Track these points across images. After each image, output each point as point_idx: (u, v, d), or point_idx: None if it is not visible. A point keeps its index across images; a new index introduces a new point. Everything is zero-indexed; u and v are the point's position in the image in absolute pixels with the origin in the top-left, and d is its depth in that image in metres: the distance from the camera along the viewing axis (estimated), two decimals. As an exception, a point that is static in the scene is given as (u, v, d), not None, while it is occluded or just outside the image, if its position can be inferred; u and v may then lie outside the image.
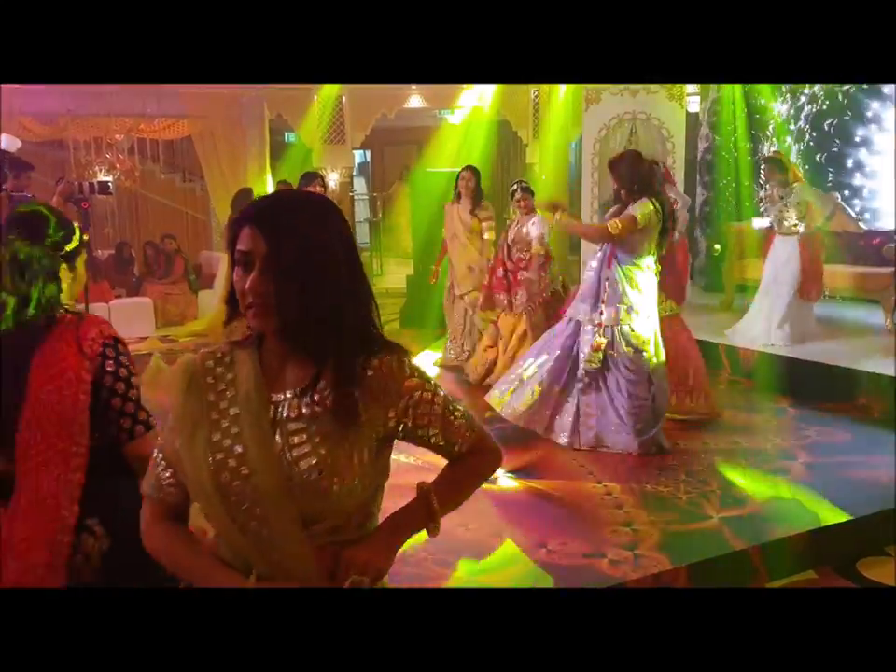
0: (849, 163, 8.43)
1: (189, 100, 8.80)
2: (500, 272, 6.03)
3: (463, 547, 3.49)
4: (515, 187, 6.17)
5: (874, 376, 5.40)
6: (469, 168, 6.56)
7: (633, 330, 4.53)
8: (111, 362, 1.88)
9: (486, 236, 6.45)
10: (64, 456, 1.82)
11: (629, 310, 4.53)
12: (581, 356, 4.63)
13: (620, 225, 4.41)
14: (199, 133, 9.77)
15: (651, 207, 4.43)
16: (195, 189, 10.96)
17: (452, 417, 1.56)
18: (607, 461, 4.53)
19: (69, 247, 2.01)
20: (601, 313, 4.57)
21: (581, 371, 4.63)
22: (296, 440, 1.38)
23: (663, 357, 4.62)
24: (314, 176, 6.53)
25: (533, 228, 5.90)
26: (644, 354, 4.54)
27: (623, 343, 4.54)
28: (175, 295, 9.22)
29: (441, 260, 6.90)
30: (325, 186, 6.53)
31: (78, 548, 1.83)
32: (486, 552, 3.46)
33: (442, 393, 1.54)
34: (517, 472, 4.37)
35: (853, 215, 8.10)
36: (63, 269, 1.97)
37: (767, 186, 6.55)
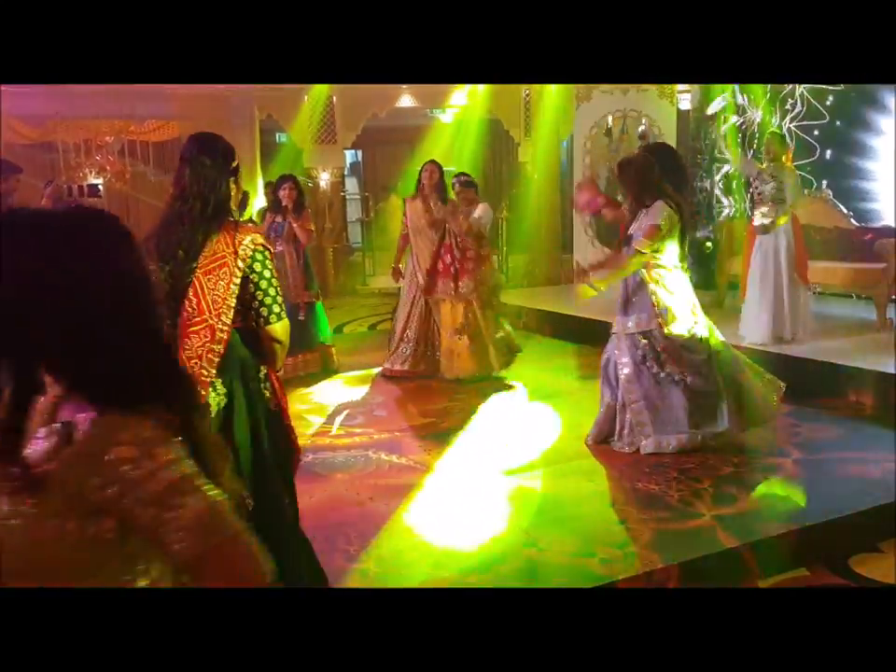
0: (842, 159, 8.45)
1: (178, 101, 8.77)
2: (448, 259, 6.20)
3: (454, 546, 3.47)
4: (455, 181, 6.37)
5: (865, 372, 5.41)
6: (432, 161, 6.50)
7: (670, 333, 4.44)
8: (258, 264, 2.42)
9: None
10: (212, 330, 2.39)
11: (662, 313, 4.44)
12: (619, 366, 4.56)
13: (648, 241, 4.34)
14: (189, 134, 9.70)
15: (669, 209, 4.36)
16: (186, 190, 10.89)
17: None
18: (599, 459, 4.52)
19: (234, 164, 2.57)
20: (631, 322, 4.52)
21: (622, 382, 4.56)
22: None
23: (713, 351, 4.53)
24: (284, 180, 6.57)
25: (475, 219, 6.11)
26: (687, 353, 4.46)
27: (660, 347, 4.46)
28: (165, 296, 9.19)
29: (401, 258, 6.66)
30: (298, 188, 6.46)
31: (207, 400, 2.33)
32: (477, 550, 3.44)
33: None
34: (510, 471, 4.36)
35: (844, 211, 8.10)
36: (230, 182, 2.54)
37: (758, 170, 6.48)
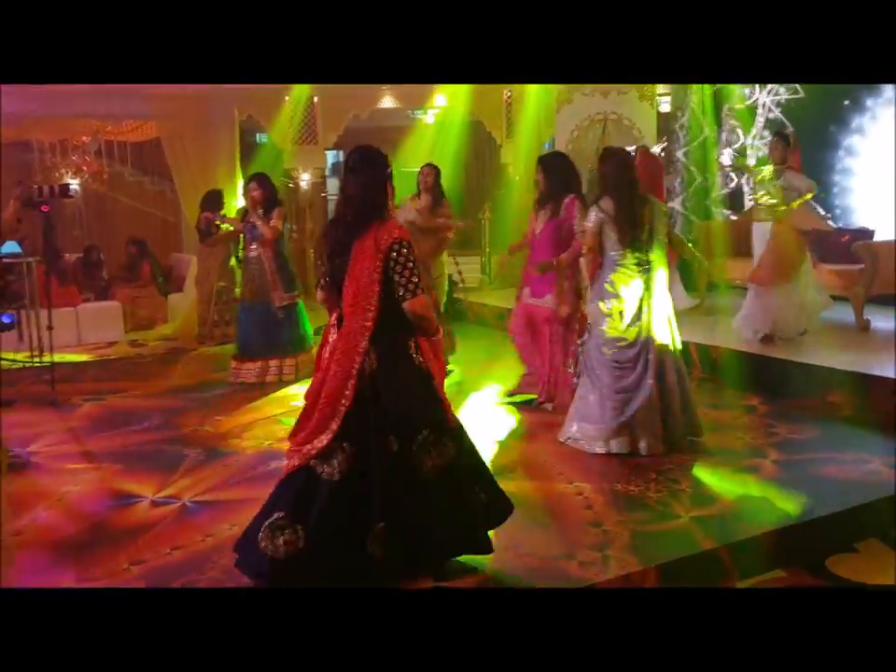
0: (820, 162, 8.49)
1: (156, 101, 8.68)
2: None
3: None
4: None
5: (842, 373, 5.43)
6: (429, 164, 6.55)
7: (611, 328, 4.55)
8: (395, 254, 2.97)
9: (450, 235, 6.44)
10: (364, 309, 2.99)
11: (605, 307, 4.57)
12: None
13: (586, 238, 4.65)
14: (167, 134, 9.65)
15: (596, 209, 4.52)
16: (165, 190, 10.83)
17: None
18: (578, 461, 4.51)
19: (388, 170, 3.15)
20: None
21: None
22: None
23: (668, 351, 4.59)
24: (249, 179, 6.58)
25: (408, 215, 6.19)
26: (628, 349, 4.53)
27: (601, 339, 4.60)
28: (143, 298, 9.12)
29: None
30: (264, 186, 6.42)
31: (362, 364, 3.01)
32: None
33: None
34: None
35: (823, 213, 8.15)
36: (385, 185, 3.11)
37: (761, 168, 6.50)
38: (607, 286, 4.57)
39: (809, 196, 6.42)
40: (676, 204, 9.20)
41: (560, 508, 3.91)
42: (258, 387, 6.26)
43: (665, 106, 10.65)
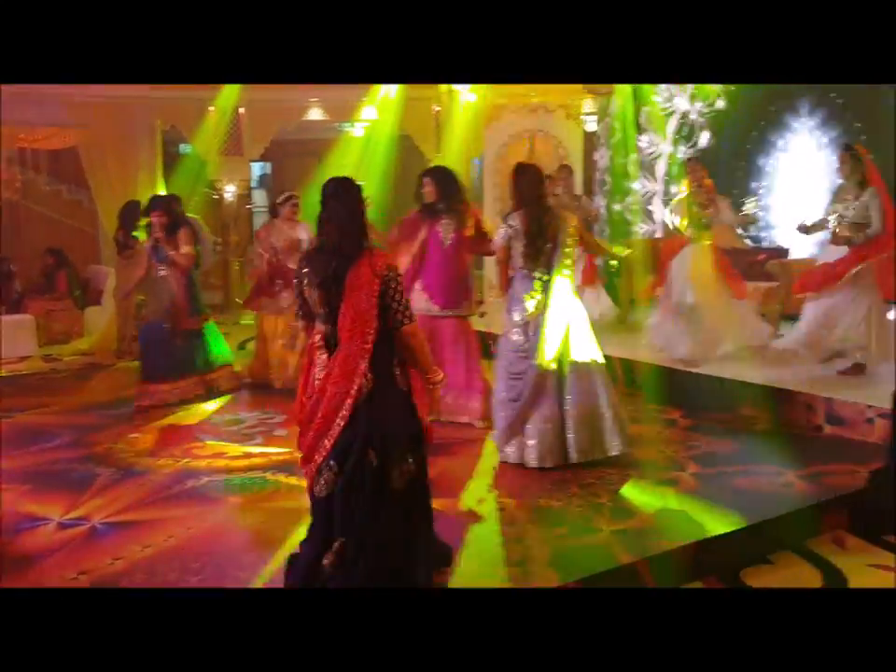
0: (740, 180, 8.74)
1: (74, 108, 8.45)
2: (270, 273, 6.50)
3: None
4: (283, 199, 6.62)
5: (757, 387, 5.56)
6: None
7: (513, 335, 4.67)
8: (392, 282, 3.08)
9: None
10: (364, 333, 3.07)
11: (511, 318, 4.69)
12: None
13: (496, 251, 4.78)
14: (85, 142, 9.39)
15: (505, 224, 4.64)
16: (82, 200, 10.49)
17: None
18: (504, 476, 4.51)
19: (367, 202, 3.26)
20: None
21: None
22: None
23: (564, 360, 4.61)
24: (154, 205, 6.34)
25: (302, 233, 6.37)
26: (525, 360, 4.61)
27: (507, 348, 4.72)
28: (58, 311, 8.82)
29: None
30: (168, 213, 6.26)
31: (360, 385, 3.08)
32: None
33: None
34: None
35: (739, 232, 8.38)
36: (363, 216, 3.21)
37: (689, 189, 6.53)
38: (515, 297, 4.67)
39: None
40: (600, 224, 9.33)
41: (484, 525, 3.88)
42: (175, 405, 6.10)
43: (592, 125, 10.84)
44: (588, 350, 4.67)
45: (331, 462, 3.10)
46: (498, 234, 4.70)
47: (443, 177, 5.42)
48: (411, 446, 3.20)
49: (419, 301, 5.34)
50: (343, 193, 3.20)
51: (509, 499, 4.15)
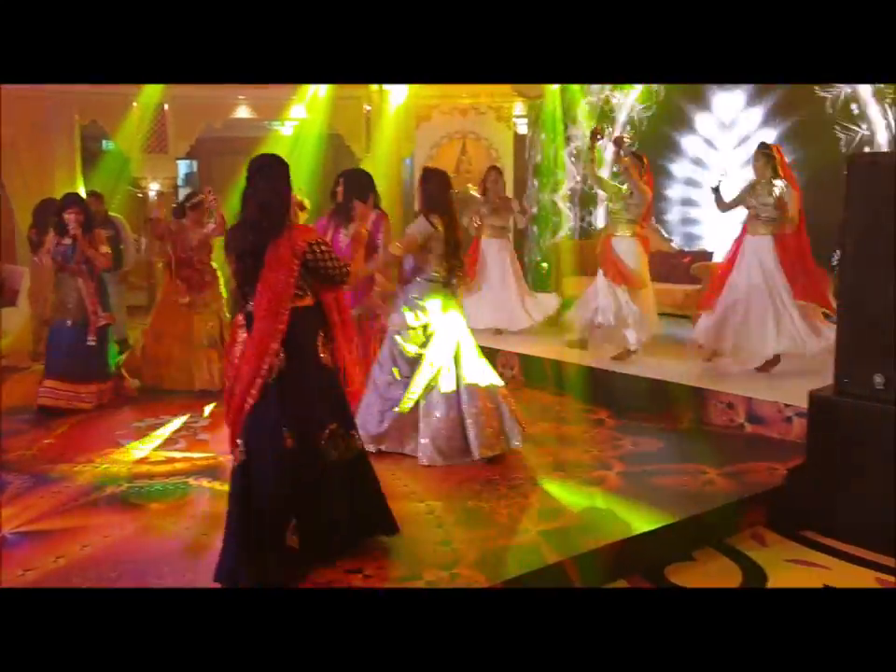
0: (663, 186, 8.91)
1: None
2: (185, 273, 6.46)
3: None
4: (192, 203, 6.57)
5: (681, 387, 5.67)
6: None
7: (406, 340, 4.72)
8: (316, 250, 3.18)
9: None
10: (278, 313, 3.11)
11: (402, 321, 4.72)
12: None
13: (401, 245, 4.70)
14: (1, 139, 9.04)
15: (425, 220, 4.62)
16: (-5, 198, 10.13)
17: None
18: (431, 479, 4.48)
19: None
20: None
21: None
22: None
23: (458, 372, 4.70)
24: (69, 203, 6.05)
25: (211, 227, 6.39)
26: (415, 365, 4.69)
27: (397, 350, 4.75)
28: (-31, 312, 8.45)
29: None
30: (85, 210, 6.05)
31: (271, 365, 3.13)
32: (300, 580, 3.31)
33: None
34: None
35: (665, 235, 8.54)
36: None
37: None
38: (416, 298, 4.71)
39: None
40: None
41: (411, 528, 3.84)
42: (93, 409, 5.91)
43: (523, 128, 10.93)
44: (474, 350, 4.82)
45: (238, 441, 3.15)
46: (417, 226, 4.68)
47: (354, 180, 5.45)
48: (344, 427, 3.31)
49: None
50: (267, 169, 3.23)
51: (437, 502, 4.13)
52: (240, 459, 3.14)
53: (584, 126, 9.47)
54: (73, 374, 5.90)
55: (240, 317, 3.27)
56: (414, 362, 4.70)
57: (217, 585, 3.11)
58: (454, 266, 4.72)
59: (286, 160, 3.30)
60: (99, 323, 6.03)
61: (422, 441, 4.68)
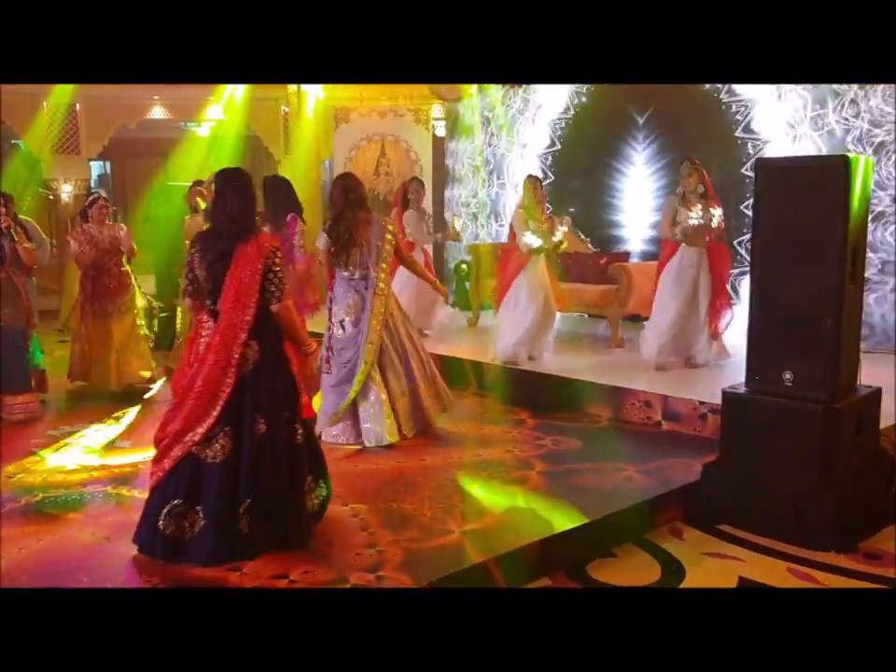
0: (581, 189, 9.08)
1: None
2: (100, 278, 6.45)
3: (196, 583, 3.28)
4: (90, 201, 6.65)
5: (600, 387, 5.81)
6: (199, 182, 7.15)
7: (337, 329, 5.18)
8: (271, 261, 3.45)
9: None
10: (245, 305, 3.40)
11: (333, 313, 5.20)
12: None
13: (320, 256, 5.26)
14: None
15: (323, 232, 5.13)
16: None
17: None
18: (355, 481, 4.48)
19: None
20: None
21: None
22: None
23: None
24: None
25: (121, 232, 6.56)
26: (351, 351, 5.13)
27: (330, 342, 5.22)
28: None
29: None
30: (6, 207, 5.87)
31: (243, 354, 3.45)
32: (224, 584, 3.27)
33: None
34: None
35: (583, 237, 8.72)
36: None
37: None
38: (336, 296, 5.19)
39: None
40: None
41: (336, 531, 3.84)
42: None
43: (441, 130, 11.00)
44: (407, 338, 5.28)
45: (226, 428, 3.43)
46: (319, 241, 5.18)
47: (272, 186, 6.02)
48: (294, 416, 3.59)
49: None
50: (234, 182, 3.53)
51: (361, 505, 4.13)
52: (225, 446, 3.43)
53: (503, 128, 9.59)
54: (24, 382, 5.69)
55: (204, 315, 3.54)
56: (348, 351, 5.13)
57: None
58: (359, 263, 5.10)
59: (249, 173, 3.64)
60: (33, 328, 5.88)
61: (364, 425, 5.11)
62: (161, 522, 3.40)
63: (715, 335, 6.16)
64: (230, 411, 3.42)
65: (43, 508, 4.13)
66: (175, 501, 3.41)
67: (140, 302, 6.75)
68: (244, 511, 3.42)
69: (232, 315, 3.40)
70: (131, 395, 6.44)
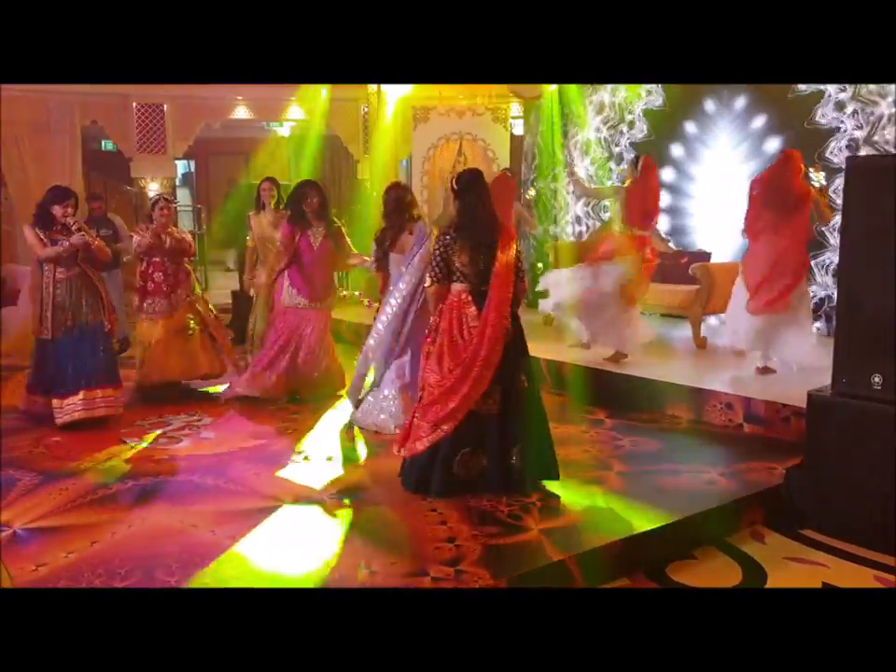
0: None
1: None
2: (159, 276, 6.35)
3: (283, 573, 3.37)
4: (158, 197, 6.63)
5: (681, 388, 5.73)
6: (269, 179, 7.14)
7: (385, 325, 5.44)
8: (517, 248, 4.24)
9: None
10: (509, 283, 4.11)
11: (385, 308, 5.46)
12: None
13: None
14: (1, 137, 9.06)
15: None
16: (-3, 198, 10.14)
17: None
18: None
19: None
20: None
21: None
22: None
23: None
24: (64, 196, 5.84)
25: (187, 234, 6.60)
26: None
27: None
28: (-28, 312, 8.47)
29: (254, 269, 7.13)
30: (75, 206, 5.87)
31: (508, 326, 4.14)
32: (306, 576, 3.35)
33: None
34: (342, 492, 4.30)
35: (663, 236, 8.58)
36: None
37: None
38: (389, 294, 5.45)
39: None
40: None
41: (416, 525, 3.90)
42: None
43: (519, 129, 10.98)
44: None
45: (498, 386, 4.12)
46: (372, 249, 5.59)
47: (326, 196, 6.34)
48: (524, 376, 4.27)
49: (288, 295, 6.18)
50: (478, 188, 4.20)
51: (440, 500, 4.17)
52: (497, 399, 4.15)
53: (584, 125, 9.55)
54: (79, 382, 5.59)
55: (462, 296, 4.14)
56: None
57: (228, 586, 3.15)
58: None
59: (482, 175, 4.27)
60: (117, 325, 6.07)
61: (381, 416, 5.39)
62: (454, 468, 4.14)
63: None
64: (501, 372, 4.10)
65: (132, 495, 4.28)
66: (465, 450, 4.14)
67: (200, 296, 6.67)
68: (516, 450, 4.14)
69: (500, 292, 4.06)
70: (194, 390, 6.56)
